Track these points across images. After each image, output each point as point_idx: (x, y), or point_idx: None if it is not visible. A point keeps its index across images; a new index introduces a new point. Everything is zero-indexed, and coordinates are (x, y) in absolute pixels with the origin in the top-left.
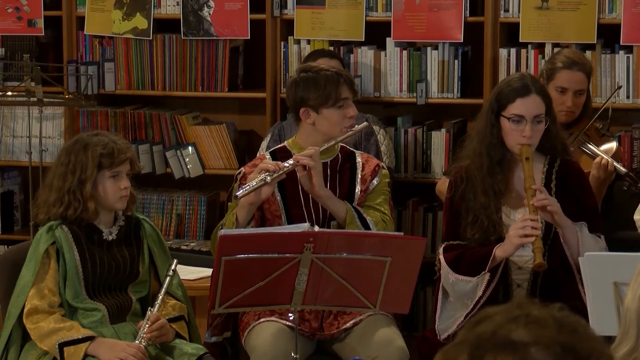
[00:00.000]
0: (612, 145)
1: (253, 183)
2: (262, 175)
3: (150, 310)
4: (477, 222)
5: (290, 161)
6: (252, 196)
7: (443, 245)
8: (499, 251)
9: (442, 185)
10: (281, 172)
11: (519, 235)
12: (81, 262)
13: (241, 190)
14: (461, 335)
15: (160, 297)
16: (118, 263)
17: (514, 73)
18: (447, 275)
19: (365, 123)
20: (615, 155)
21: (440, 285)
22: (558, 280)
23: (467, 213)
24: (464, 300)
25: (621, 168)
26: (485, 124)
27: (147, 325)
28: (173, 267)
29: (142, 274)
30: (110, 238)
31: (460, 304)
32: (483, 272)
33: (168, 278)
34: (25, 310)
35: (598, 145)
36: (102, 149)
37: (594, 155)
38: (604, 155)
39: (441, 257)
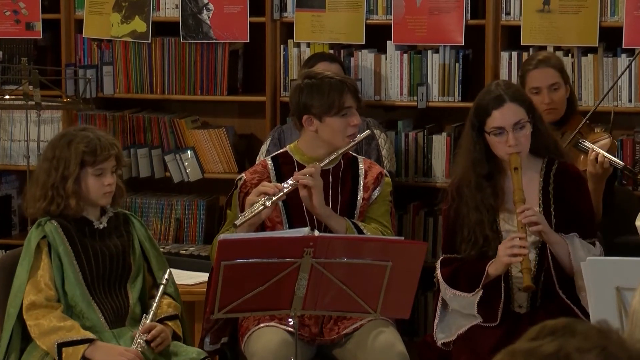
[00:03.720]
0: (606, 141)
1: (252, 209)
2: (262, 200)
3: (146, 317)
4: (472, 240)
5: (290, 181)
6: (252, 219)
7: (440, 259)
8: (491, 269)
9: None
10: (281, 194)
11: (508, 255)
12: (74, 254)
13: (240, 218)
14: (530, 340)
15: (155, 304)
16: (111, 252)
17: (488, 84)
18: (445, 290)
19: (367, 131)
20: (610, 150)
21: (439, 296)
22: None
23: (461, 229)
24: (463, 313)
25: (617, 162)
26: (469, 140)
27: (143, 336)
28: (166, 276)
29: (134, 265)
30: (101, 227)
31: (459, 316)
32: (477, 290)
33: (162, 287)
34: (23, 306)
35: (592, 141)
36: (84, 146)
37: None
38: (599, 150)
39: (438, 272)
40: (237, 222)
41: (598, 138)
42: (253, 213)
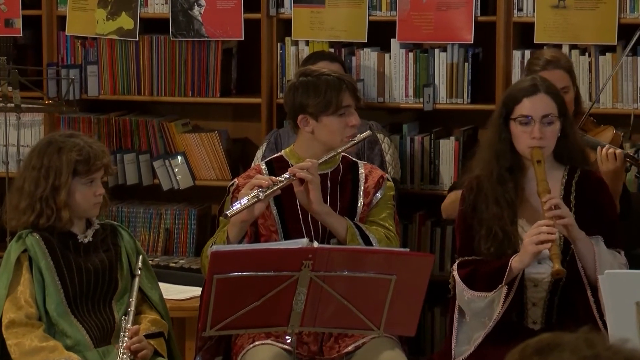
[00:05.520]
0: (610, 133)
1: (244, 200)
2: (255, 192)
3: (125, 319)
4: (490, 235)
5: (286, 175)
6: (245, 214)
7: (457, 261)
8: (515, 262)
9: (448, 201)
10: (275, 187)
11: (534, 242)
12: (56, 270)
13: (232, 209)
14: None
15: (133, 301)
16: (96, 268)
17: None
18: (462, 292)
19: (368, 132)
20: (614, 142)
21: (456, 304)
22: (575, 299)
23: (480, 225)
24: (481, 319)
25: (627, 152)
26: (494, 130)
27: (125, 338)
28: (139, 264)
29: (121, 281)
30: (85, 241)
31: (477, 323)
32: (500, 286)
33: (137, 278)
34: (3, 324)
35: (595, 135)
36: (77, 154)
37: (595, 146)
38: (607, 145)
39: (455, 273)
40: (229, 212)
41: (601, 131)
42: (246, 205)
